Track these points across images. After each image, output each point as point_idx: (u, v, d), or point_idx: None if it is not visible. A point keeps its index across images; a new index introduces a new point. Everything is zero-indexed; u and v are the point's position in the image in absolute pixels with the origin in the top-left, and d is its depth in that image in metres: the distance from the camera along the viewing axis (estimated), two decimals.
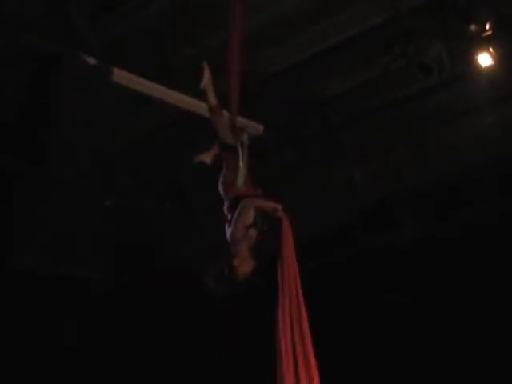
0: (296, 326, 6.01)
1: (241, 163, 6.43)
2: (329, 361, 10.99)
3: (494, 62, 8.72)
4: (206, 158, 6.88)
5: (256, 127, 7.64)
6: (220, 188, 6.52)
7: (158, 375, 11.70)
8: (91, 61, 6.89)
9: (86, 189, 10.02)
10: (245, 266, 6.01)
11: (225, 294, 6.00)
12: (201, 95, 8.01)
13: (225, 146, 6.65)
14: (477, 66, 8.78)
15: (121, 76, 6.96)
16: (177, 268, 11.19)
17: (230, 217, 6.24)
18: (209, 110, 6.66)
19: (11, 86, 8.03)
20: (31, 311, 10.63)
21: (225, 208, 6.37)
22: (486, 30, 8.45)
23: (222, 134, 6.63)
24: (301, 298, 6.07)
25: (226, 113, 6.62)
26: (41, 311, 10.69)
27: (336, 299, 11.25)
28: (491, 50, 8.62)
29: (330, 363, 10.95)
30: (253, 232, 6.14)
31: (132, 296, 11.43)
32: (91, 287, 11.14)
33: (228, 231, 6.19)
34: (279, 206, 6.26)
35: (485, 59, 8.70)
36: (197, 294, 11.08)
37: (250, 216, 6.14)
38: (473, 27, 8.44)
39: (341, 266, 11.26)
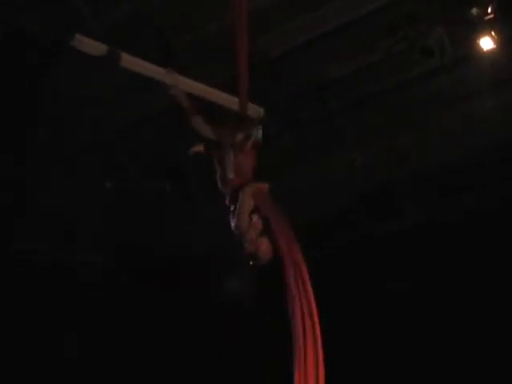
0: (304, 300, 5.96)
1: (227, 157, 6.45)
2: (329, 347, 11.09)
3: (495, 46, 8.69)
4: (201, 148, 6.90)
5: (257, 110, 7.60)
6: (218, 183, 6.55)
7: (157, 371, 11.72)
8: (95, 44, 6.89)
9: (86, 174, 10.02)
10: (262, 247, 6.01)
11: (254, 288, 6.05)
12: (202, 78, 8.05)
13: (209, 142, 6.68)
14: (478, 50, 8.76)
15: (124, 59, 6.94)
16: (177, 256, 11.23)
17: (232, 209, 6.25)
18: (185, 113, 6.71)
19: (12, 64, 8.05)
20: (30, 299, 10.63)
21: (227, 201, 6.39)
22: (487, 14, 8.43)
23: (203, 131, 6.67)
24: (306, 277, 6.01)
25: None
26: (39, 300, 10.69)
27: (337, 283, 11.24)
28: (493, 33, 8.60)
29: (330, 350, 11.06)
30: (256, 219, 6.15)
31: (131, 283, 11.44)
32: (90, 274, 11.14)
33: (233, 223, 6.19)
34: (266, 186, 6.30)
35: (486, 43, 8.68)
36: (196, 286, 11.26)
37: (250, 203, 6.16)
38: (474, 11, 8.43)
39: (341, 251, 11.26)
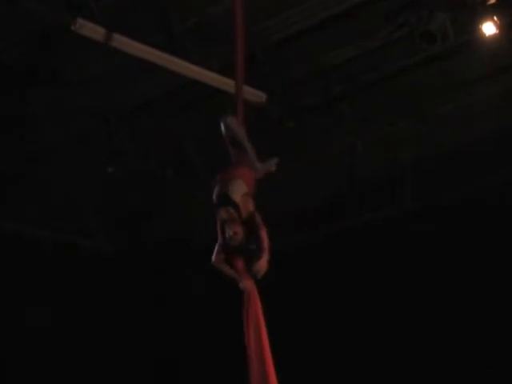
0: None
1: None
2: (320, 337, 11.10)
3: (497, 31, 8.62)
4: None
5: (258, 95, 7.60)
6: None
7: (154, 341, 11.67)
8: (96, 28, 6.89)
9: (87, 154, 9.99)
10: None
11: None
12: (203, 63, 8.03)
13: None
14: (481, 35, 8.69)
15: (125, 43, 6.95)
16: (176, 233, 11.22)
17: None
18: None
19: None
20: (28, 276, 10.62)
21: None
22: None
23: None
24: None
25: None
26: (38, 276, 10.68)
27: (334, 271, 11.24)
28: (495, 18, 8.53)
29: (322, 339, 11.07)
30: None
31: (130, 264, 11.41)
32: (90, 254, 11.12)
33: None
34: None
35: (489, 28, 8.60)
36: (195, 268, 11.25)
37: None
38: None
39: (339, 238, 11.23)
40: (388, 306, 10.80)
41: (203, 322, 11.50)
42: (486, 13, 8.51)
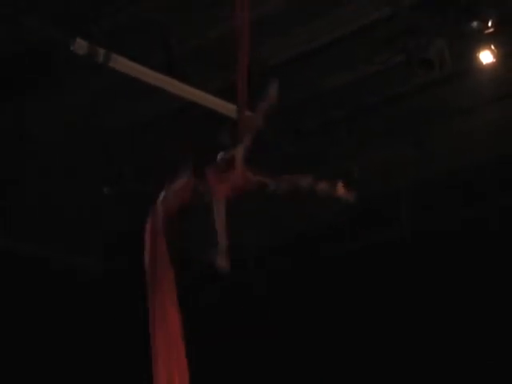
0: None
1: None
2: (323, 358, 11.09)
3: (495, 60, 8.69)
4: None
5: (256, 118, 7.60)
6: None
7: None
8: (95, 49, 6.93)
9: (82, 174, 10.00)
10: None
11: None
12: (202, 85, 8.05)
13: None
14: (478, 64, 8.76)
15: (123, 64, 6.98)
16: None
17: None
18: None
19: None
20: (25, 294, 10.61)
21: None
22: (487, 28, 8.42)
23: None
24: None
25: None
26: (30, 297, 10.65)
27: (332, 295, 11.26)
28: (492, 47, 8.60)
29: (324, 361, 11.07)
30: None
31: (122, 283, 11.39)
32: (81, 274, 11.10)
33: None
34: None
35: (486, 57, 8.67)
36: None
37: None
38: (475, 24, 8.40)
39: (338, 261, 11.26)
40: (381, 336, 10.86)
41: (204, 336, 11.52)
42: (483, 41, 8.58)
